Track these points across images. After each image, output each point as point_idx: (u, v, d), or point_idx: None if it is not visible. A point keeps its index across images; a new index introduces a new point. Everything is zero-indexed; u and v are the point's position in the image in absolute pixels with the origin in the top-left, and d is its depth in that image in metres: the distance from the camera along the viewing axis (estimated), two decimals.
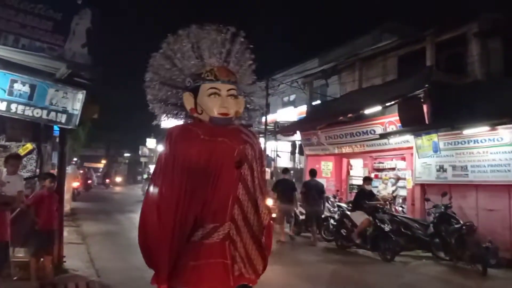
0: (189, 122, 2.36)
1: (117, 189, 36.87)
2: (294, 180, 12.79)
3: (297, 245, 10.48)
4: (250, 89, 2.48)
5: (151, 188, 2.11)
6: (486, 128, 9.04)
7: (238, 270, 2.00)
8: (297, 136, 16.47)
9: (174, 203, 1.99)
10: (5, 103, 5.83)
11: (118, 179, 44.16)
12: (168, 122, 2.47)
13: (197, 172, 2.01)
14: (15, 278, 5.61)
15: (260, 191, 2.09)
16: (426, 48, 11.82)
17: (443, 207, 8.80)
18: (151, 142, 41.29)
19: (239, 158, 2.04)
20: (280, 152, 19.16)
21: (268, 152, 19.09)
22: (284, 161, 18.94)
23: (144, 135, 42.91)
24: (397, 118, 11.17)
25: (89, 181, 28.82)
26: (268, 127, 17.37)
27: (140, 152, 46.28)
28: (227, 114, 2.13)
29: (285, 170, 11.91)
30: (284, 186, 10.95)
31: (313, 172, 11.34)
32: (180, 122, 2.41)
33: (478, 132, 9.27)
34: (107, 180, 38.35)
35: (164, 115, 2.42)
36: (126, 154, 55.45)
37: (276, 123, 18.21)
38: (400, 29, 14.00)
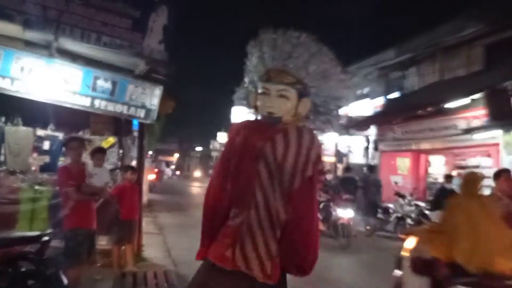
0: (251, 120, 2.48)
1: (192, 182, 38.07)
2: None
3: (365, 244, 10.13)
4: (324, 91, 2.43)
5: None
6: None
7: (239, 256, 2.06)
8: (372, 131, 15.91)
9: (214, 188, 2.25)
10: (89, 99, 6.14)
11: (197, 173, 44.60)
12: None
13: (229, 162, 2.19)
14: (98, 264, 5.91)
15: (280, 192, 2.08)
16: None
17: None
18: (222, 136, 42.18)
19: (256, 154, 2.11)
20: (352, 147, 18.65)
21: (340, 147, 18.66)
22: (357, 157, 18.39)
23: (215, 129, 43.96)
24: (483, 112, 10.37)
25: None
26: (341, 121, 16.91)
27: (211, 146, 47.50)
28: (272, 113, 2.19)
29: (347, 169, 12.59)
30: (347, 184, 11.46)
31: (371, 168, 12.51)
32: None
33: None
34: (178, 172, 39.73)
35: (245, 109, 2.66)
36: (198, 148, 57.23)
37: (349, 117, 17.72)
38: (486, 15, 12.92)
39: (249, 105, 2.49)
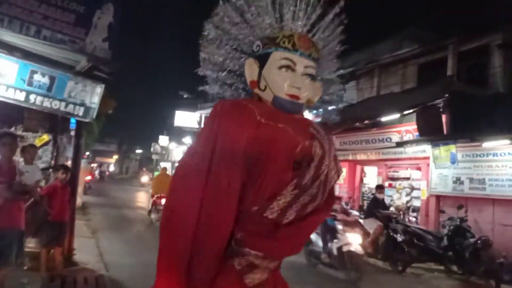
0: (243, 98, 1.82)
1: (129, 186, 37.01)
2: None
3: None
4: (330, 76, 2.03)
5: (177, 175, 1.65)
6: (507, 141, 8.84)
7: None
8: None
9: (198, 198, 1.51)
10: (24, 93, 5.85)
11: (145, 178, 37.56)
12: (217, 92, 1.93)
13: (240, 164, 1.51)
14: (25, 267, 5.61)
15: (325, 208, 1.61)
16: (448, 57, 11.63)
17: (458, 220, 8.61)
18: (163, 140, 41.46)
19: (301, 157, 1.54)
20: None
21: None
22: None
23: (156, 132, 43.16)
24: (415, 127, 11.00)
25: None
26: None
27: (152, 149, 46.54)
28: (297, 98, 1.64)
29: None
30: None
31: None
32: (231, 98, 1.86)
33: (498, 145, 9.09)
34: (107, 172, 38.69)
35: (216, 83, 1.87)
36: (138, 151, 55.88)
37: None
38: (421, 36, 13.78)
39: (238, 78, 1.82)
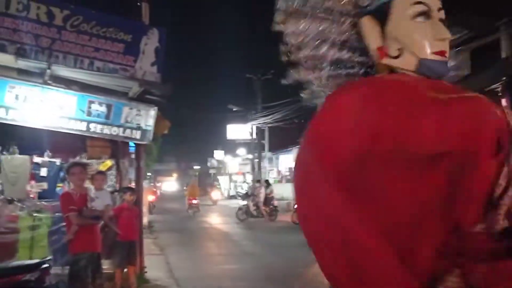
0: (372, 77, 1.28)
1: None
2: None
3: None
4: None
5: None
6: None
7: None
8: None
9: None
10: (85, 124, 6.22)
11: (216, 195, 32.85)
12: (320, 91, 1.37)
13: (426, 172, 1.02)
14: None
15: None
16: (501, 40, 11.04)
17: None
18: (219, 154, 42.21)
19: (502, 135, 1.04)
20: None
21: None
22: None
23: (211, 147, 43.96)
24: None
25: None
26: None
27: (208, 164, 47.49)
28: (446, 54, 1.17)
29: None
30: None
31: None
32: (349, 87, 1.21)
33: None
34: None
35: (318, 72, 1.33)
36: (196, 167, 57.21)
37: None
38: (470, 21, 13.18)
39: (351, 52, 1.29)
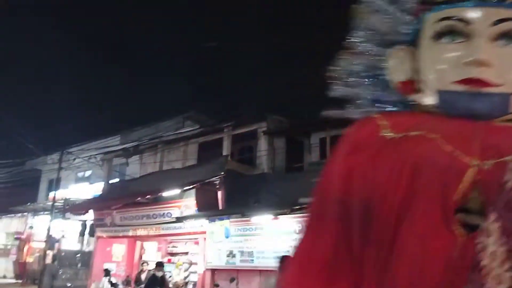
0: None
1: None
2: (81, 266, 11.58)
3: None
4: None
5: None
6: (270, 216, 9.93)
7: None
8: (90, 216, 15.26)
9: (322, 273, 0.92)
10: None
11: None
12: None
13: (360, 214, 0.90)
14: None
15: None
16: (223, 139, 12.86)
17: None
18: None
19: (478, 194, 0.80)
20: (66, 232, 17.30)
21: (52, 232, 17.06)
22: (70, 243, 17.11)
23: None
24: (194, 202, 11.45)
25: None
26: (56, 203, 15.81)
27: None
28: (483, 84, 0.90)
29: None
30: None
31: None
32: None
33: (264, 220, 10.11)
34: None
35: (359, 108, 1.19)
36: None
37: (66, 200, 16.68)
38: (201, 119, 15.00)
39: (398, 76, 1.04)
